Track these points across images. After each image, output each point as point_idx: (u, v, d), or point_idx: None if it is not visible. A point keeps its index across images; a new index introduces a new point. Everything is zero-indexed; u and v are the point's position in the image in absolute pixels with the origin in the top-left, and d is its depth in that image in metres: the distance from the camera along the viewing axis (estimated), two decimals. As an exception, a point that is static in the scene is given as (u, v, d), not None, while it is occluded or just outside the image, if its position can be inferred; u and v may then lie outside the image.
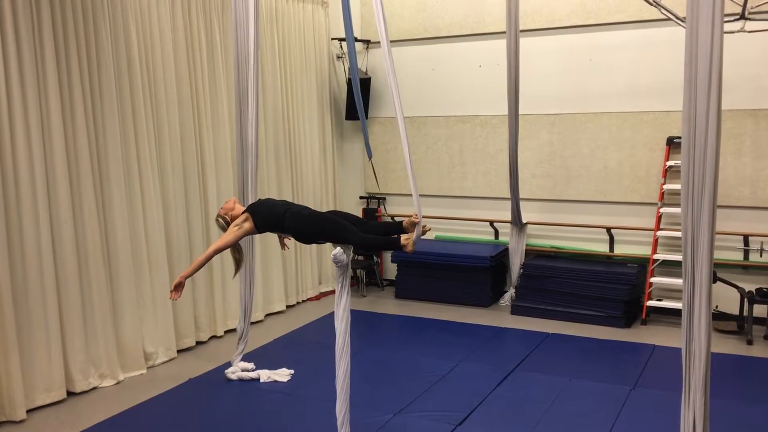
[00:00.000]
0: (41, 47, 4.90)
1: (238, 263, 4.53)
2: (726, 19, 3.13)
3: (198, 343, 6.27)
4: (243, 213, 4.35)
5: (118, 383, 5.43)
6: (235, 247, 4.42)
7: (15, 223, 4.81)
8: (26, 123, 4.82)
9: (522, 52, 6.43)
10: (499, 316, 6.93)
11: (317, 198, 7.79)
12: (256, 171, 5.34)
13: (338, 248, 3.98)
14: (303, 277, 7.67)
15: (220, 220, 4.48)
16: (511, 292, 7.20)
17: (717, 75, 2.99)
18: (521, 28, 6.43)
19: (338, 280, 4.03)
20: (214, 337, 6.45)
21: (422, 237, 4.09)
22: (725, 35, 3.06)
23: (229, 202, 4.56)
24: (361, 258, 8.11)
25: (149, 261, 5.74)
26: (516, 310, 6.97)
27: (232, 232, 4.25)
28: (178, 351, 6.03)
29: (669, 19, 5.70)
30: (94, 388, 5.31)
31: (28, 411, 4.85)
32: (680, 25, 5.50)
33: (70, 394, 5.17)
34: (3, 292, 4.71)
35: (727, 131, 6.13)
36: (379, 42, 7.75)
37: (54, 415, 4.90)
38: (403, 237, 4.02)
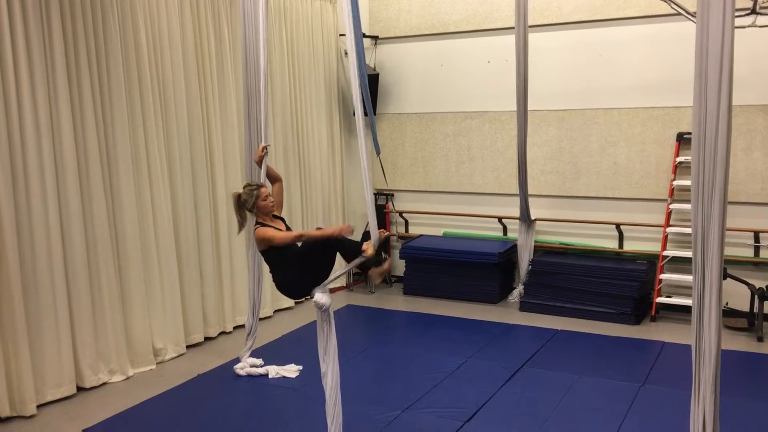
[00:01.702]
0: (50, 41, 4.91)
1: (241, 225, 4.61)
2: (737, 13, 3.09)
3: (207, 338, 6.30)
4: (270, 236, 4.28)
5: (127, 379, 5.46)
6: (242, 214, 4.53)
7: (25, 220, 4.83)
8: (36, 118, 4.84)
9: (531, 47, 6.40)
10: (508, 313, 6.92)
11: (325, 194, 7.79)
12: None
13: (318, 293, 3.96)
14: (311, 273, 7.66)
15: (252, 195, 4.41)
16: (519, 289, 7.18)
17: (728, 70, 2.97)
18: (530, 23, 6.39)
19: (321, 328, 3.99)
20: (222, 332, 6.47)
21: (393, 237, 4.07)
22: (736, 30, 3.03)
23: (276, 205, 4.59)
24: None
25: (158, 257, 5.76)
26: (525, 306, 6.95)
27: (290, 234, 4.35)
28: (187, 347, 6.05)
29: (679, 13, 5.67)
30: (104, 384, 5.33)
31: (38, 406, 4.89)
32: (690, 19, 5.47)
33: (79, 389, 5.20)
34: (13, 288, 4.73)
35: (737, 127, 6.09)
36: (387, 38, 7.82)
37: (64, 411, 4.93)
38: (365, 243, 4.07)
